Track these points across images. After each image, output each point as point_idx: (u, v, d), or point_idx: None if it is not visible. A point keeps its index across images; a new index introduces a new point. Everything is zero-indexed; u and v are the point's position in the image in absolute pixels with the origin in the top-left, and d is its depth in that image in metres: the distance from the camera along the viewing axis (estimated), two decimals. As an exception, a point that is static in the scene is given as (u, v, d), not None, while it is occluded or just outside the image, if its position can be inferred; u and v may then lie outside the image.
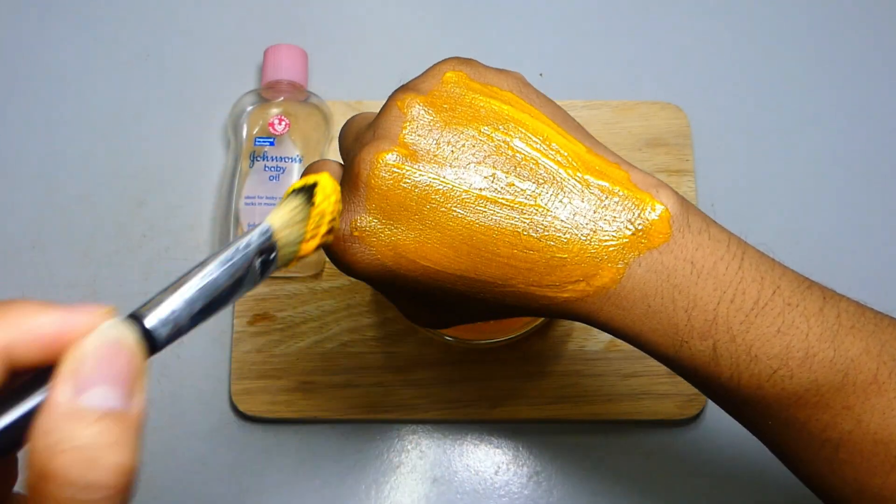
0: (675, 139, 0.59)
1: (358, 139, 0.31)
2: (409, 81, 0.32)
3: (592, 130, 0.32)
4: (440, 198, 0.29)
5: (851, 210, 0.60)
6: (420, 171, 0.29)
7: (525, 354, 0.55)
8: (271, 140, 0.55)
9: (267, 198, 0.55)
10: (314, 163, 0.34)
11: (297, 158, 0.56)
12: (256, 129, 0.56)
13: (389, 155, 0.29)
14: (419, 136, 0.29)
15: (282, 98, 0.57)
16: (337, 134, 0.59)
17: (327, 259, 0.58)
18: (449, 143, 0.29)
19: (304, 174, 0.32)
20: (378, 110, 0.32)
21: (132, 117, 0.61)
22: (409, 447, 0.55)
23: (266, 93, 0.57)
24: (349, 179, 0.30)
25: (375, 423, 0.55)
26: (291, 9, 0.64)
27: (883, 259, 0.59)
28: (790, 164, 0.61)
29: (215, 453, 0.54)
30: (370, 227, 0.29)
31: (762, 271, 0.29)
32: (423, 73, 0.32)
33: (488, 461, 0.55)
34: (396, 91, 0.31)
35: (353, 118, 0.34)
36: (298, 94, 0.57)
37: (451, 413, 0.54)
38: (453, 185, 0.29)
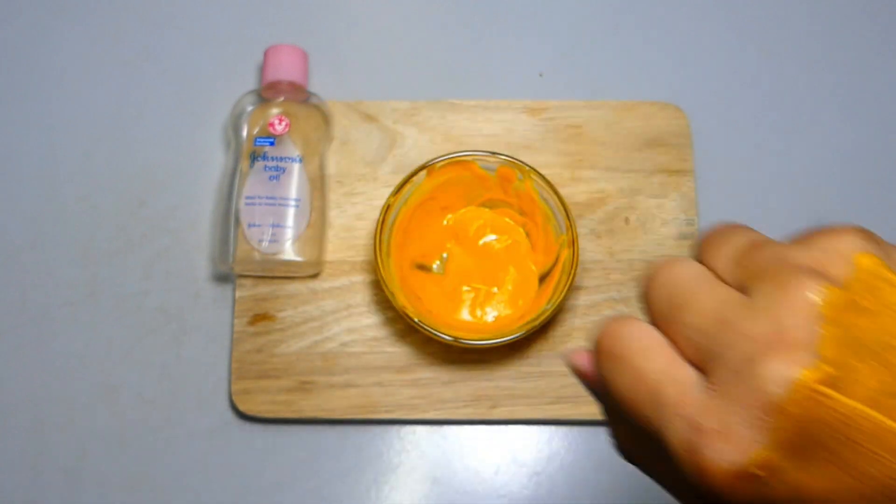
0: (675, 139, 0.59)
1: (735, 326, 0.22)
2: (799, 252, 0.23)
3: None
4: (864, 436, 0.21)
5: (852, 210, 0.60)
6: (847, 398, 0.21)
7: (525, 354, 0.55)
8: (271, 140, 0.56)
9: (267, 198, 0.55)
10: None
11: (298, 158, 0.56)
12: (256, 130, 0.56)
13: (813, 373, 0.21)
14: (844, 347, 0.21)
15: (282, 98, 0.57)
16: (338, 134, 0.60)
17: (329, 261, 0.59)
18: (875, 362, 0.21)
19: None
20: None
21: (132, 117, 0.61)
22: (409, 447, 0.55)
23: (266, 93, 0.57)
24: (742, 389, 0.21)
25: (375, 423, 0.55)
26: (291, 9, 0.64)
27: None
28: (790, 164, 0.61)
29: (215, 453, 0.55)
30: (776, 465, 0.21)
31: None
32: (813, 245, 0.23)
33: (488, 461, 0.55)
34: (787, 266, 0.22)
35: (682, 263, 0.25)
36: (299, 94, 0.57)
37: (451, 413, 0.54)
38: (880, 421, 0.21)
